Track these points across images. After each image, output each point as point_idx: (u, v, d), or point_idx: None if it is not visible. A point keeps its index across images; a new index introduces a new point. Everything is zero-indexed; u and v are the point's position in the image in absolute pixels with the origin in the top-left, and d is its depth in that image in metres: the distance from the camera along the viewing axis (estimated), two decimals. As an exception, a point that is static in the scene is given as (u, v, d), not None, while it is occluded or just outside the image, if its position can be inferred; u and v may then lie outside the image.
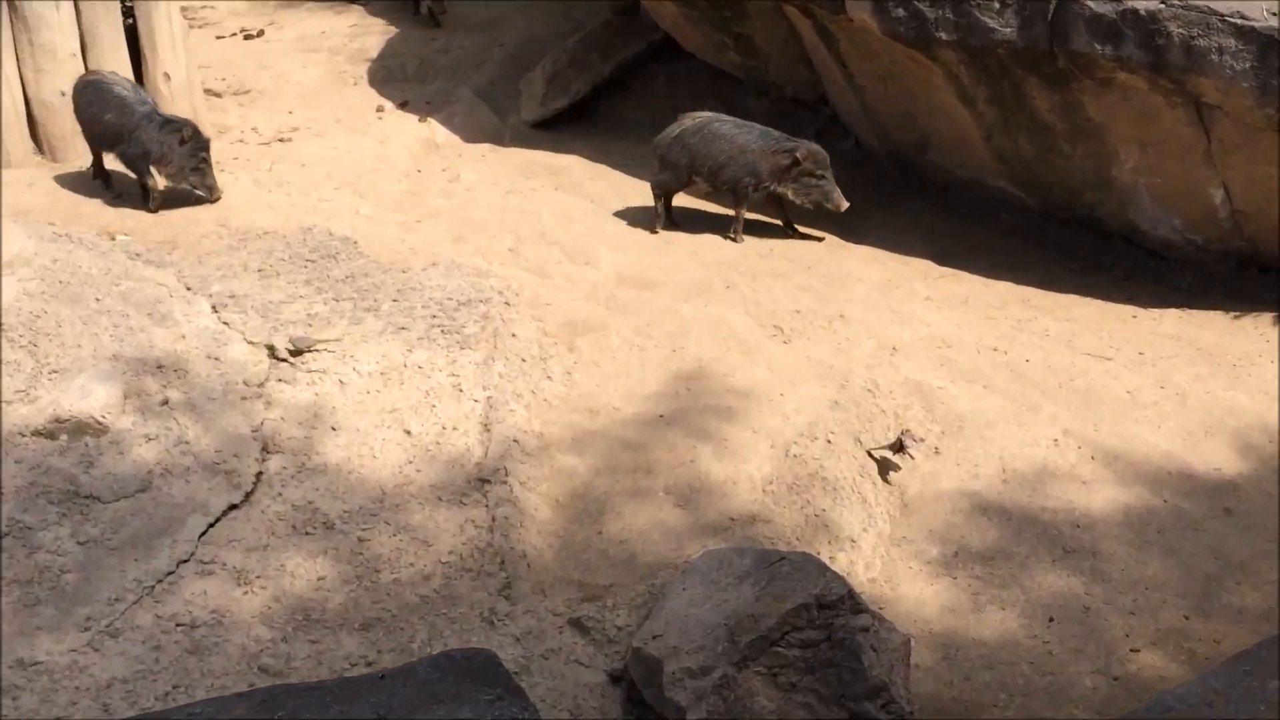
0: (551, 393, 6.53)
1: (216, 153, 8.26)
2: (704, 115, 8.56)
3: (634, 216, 8.54)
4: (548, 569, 5.55)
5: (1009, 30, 7.57)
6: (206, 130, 8.47)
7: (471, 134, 9.81)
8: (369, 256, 7.35)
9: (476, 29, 11.33)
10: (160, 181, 7.91)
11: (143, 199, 7.94)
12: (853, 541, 5.77)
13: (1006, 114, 8.13)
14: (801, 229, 8.46)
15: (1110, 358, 7.12)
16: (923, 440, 6.30)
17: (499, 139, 9.85)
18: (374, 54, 10.92)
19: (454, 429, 6.14)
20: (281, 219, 7.78)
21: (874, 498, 6.04)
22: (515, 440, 6.11)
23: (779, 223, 8.52)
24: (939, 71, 8.17)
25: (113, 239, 7.39)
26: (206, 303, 6.76)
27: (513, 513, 5.73)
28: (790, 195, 8.32)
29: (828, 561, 5.33)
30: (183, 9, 9.70)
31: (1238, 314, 7.58)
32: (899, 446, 6.23)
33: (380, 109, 9.95)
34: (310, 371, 6.35)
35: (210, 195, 7.95)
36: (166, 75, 8.99)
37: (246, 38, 11.31)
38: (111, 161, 8.15)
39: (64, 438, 5.78)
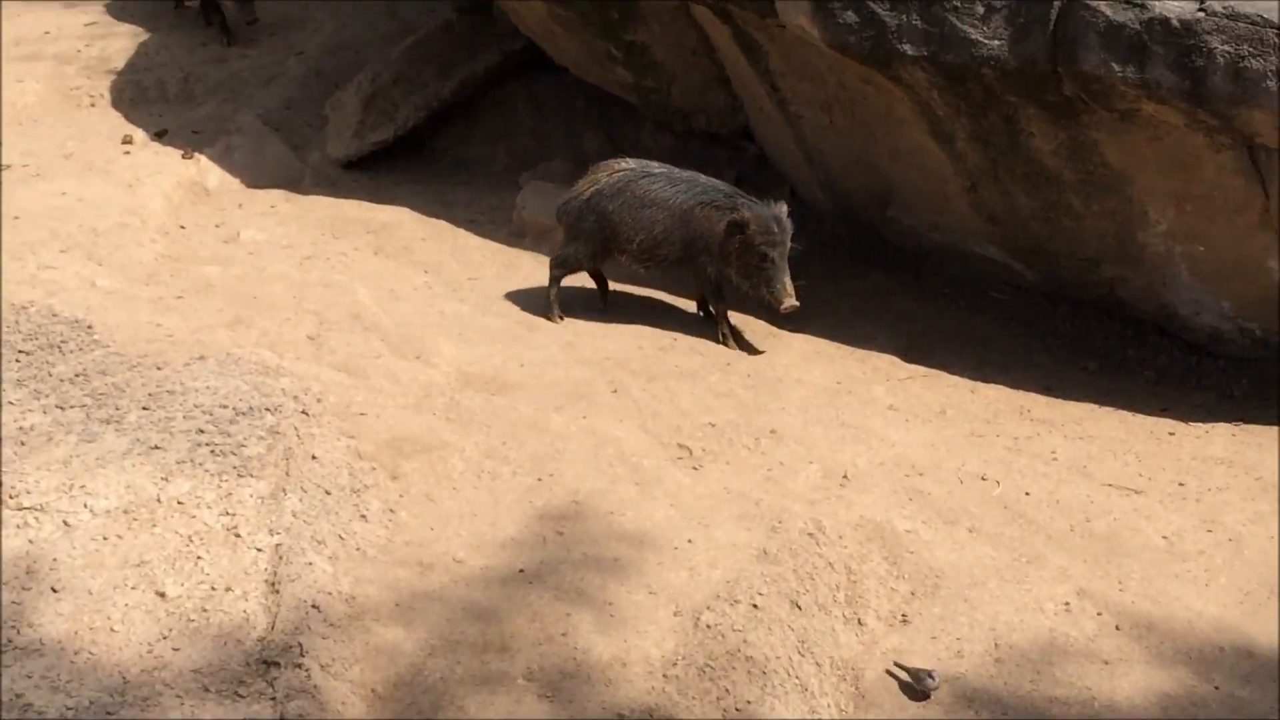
0: (367, 538, 6.48)
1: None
2: (626, 168, 8.59)
3: (488, 294, 8.57)
4: (360, 790, 5.49)
5: (997, 44, 7.70)
6: None
7: (257, 176, 9.81)
8: (109, 347, 7.28)
9: (265, 31, 11.34)
10: None
11: None
12: (790, 747, 5.79)
13: (996, 157, 8.28)
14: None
15: (1140, 490, 7.24)
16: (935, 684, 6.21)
17: (296, 184, 9.86)
18: (120, 64, 10.90)
19: (228, 590, 6.06)
20: (-19, 294, 7.71)
21: (818, 685, 6.05)
22: (315, 605, 6.05)
23: (671, 299, 8.59)
24: (904, 98, 8.32)
25: None
26: None
27: (310, 709, 5.65)
28: (732, 276, 8.38)
29: (755, 775, 5.33)
30: None
31: (1310, 431, 7.78)
32: (919, 693, 6.16)
33: (128, 140, 9.93)
34: (22, 509, 6.25)
35: None
36: None
37: (-69, 40, 11.27)
38: None
39: None
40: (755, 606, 6.25)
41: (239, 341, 7.59)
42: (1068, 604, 6.48)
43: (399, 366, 7.68)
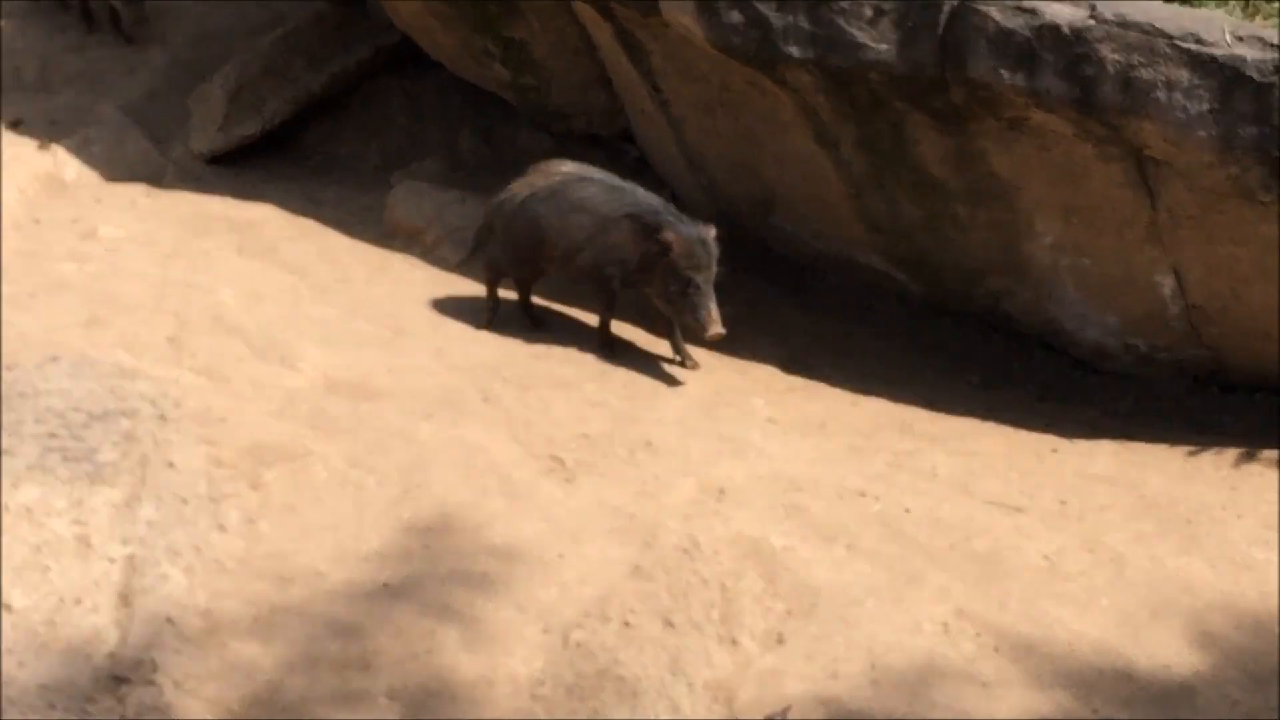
0: (225, 550, 6.44)
1: None
2: (566, 170, 8.52)
3: (357, 296, 8.53)
4: (213, 813, 5.46)
5: (885, 48, 7.75)
6: None
7: (117, 170, 9.71)
8: (-47, 347, 7.19)
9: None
10: None
11: None
12: (660, 770, 5.80)
13: (881, 164, 8.35)
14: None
15: (1021, 508, 7.30)
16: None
17: (158, 178, 9.78)
18: (-34, 49, 10.77)
19: (77, 602, 6.00)
20: None
21: (690, 706, 6.06)
22: (169, 619, 6.00)
23: (561, 308, 8.58)
24: (789, 102, 8.37)
25: None
26: None
27: (162, 727, 5.62)
28: (653, 298, 8.29)
29: (623, 798, 5.34)
30: None
31: (1193, 449, 7.84)
32: None
33: (-25, 130, 9.81)
34: None
35: None
36: None
37: None
38: None
39: None
40: (627, 624, 6.26)
41: (94, 343, 7.51)
42: (946, 624, 6.52)
43: (262, 371, 7.63)
